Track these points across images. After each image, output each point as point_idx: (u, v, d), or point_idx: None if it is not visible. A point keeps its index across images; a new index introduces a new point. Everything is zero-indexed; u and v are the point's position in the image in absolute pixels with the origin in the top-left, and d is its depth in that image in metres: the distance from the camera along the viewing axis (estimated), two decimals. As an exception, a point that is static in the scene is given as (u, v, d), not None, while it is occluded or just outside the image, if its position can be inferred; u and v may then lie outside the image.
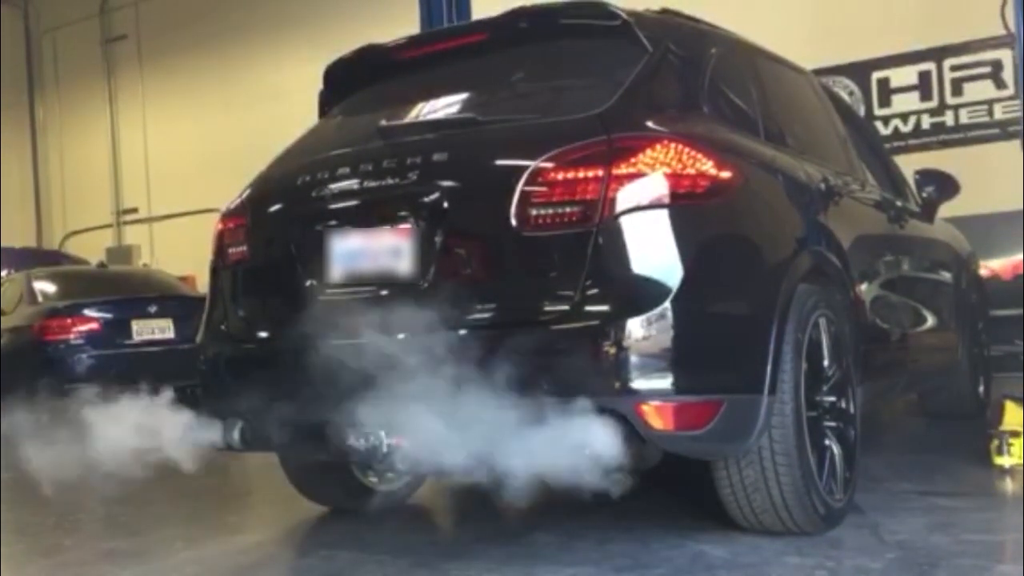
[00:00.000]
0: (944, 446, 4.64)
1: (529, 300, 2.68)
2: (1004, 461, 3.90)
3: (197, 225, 11.45)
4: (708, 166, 2.77)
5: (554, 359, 2.62)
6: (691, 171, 2.73)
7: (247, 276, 3.31)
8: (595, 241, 2.61)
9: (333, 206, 3.05)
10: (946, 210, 5.12)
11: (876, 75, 9.34)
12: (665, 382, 2.58)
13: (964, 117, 9.00)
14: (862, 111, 9.03)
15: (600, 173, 2.65)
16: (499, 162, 2.87)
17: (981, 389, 5.43)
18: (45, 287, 8.37)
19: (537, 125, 2.94)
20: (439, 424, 2.73)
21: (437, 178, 2.87)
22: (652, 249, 2.63)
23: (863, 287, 3.63)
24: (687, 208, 2.71)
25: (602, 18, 3.18)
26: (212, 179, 11.72)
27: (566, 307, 2.61)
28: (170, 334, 7.84)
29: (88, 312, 7.75)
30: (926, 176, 4.96)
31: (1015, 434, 3.93)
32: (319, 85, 3.79)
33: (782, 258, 2.99)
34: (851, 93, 9.21)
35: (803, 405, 2.90)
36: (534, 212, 2.68)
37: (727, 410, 2.65)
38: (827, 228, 3.36)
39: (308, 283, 3.06)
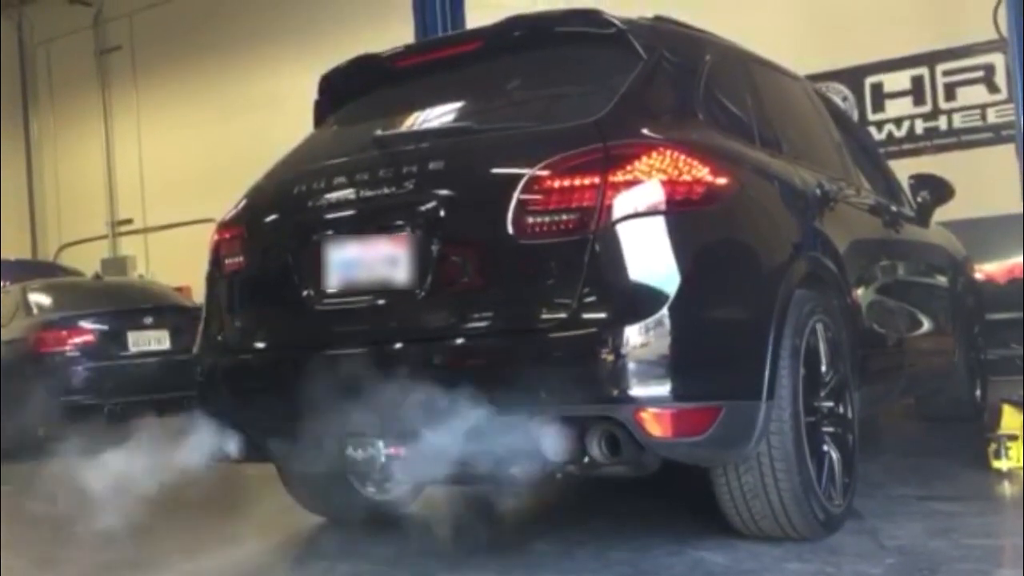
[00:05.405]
0: (942, 450, 4.64)
1: (526, 308, 2.67)
2: (1002, 465, 3.90)
3: (193, 236, 11.43)
4: (704, 173, 2.78)
5: (552, 367, 2.61)
6: (687, 178, 2.74)
7: (244, 286, 3.31)
8: (592, 248, 2.61)
9: (330, 215, 3.05)
10: (941, 214, 5.14)
11: (869, 80, 9.37)
12: (663, 389, 2.58)
13: (957, 121, 9.03)
14: (856, 116, 9.05)
15: (596, 180, 2.65)
16: (495, 170, 2.87)
17: (978, 393, 5.43)
18: (40, 299, 8.34)
19: (533, 133, 2.94)
20: (437, 434, 2.73)
21: (433, 187, 2.87)
22: (649, 256, 2.63)
23: (859, 292, 3.63)
24: (683, 215, 2.71)
25: (597, 26, 3.18)
26: (207, 189, 11.71)
27: (564, 315, 2.61)
28: (166, 345, 7.81)
29: (84, 324, 7.72)
30: (920, 180, 4.98)
31: (1013, 438, 3.93)
32: (314, 94, 3.79)
33: (779, 264, 2.99)
34: (845, 98, 9.23)
35: (801, 411, 2.90)
36: (531, 220, 2.68)
37: (725, 416, 2.65)
38: (823, 233, 3.37)
39: (305, 293, 3.06)
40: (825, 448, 3.07)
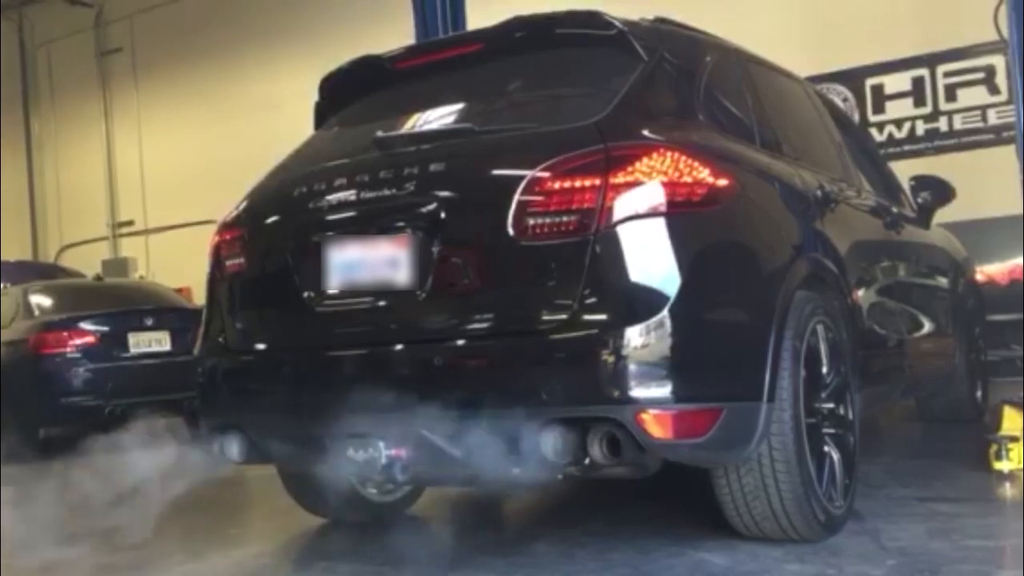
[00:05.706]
0: (943, 452, 4.64)
1: (527, 310, 2.67)
2: (1003, 466, 3.90)
3: (193, 237, 11.45)
4: (704, 174, 2.78)
5: (553, 368, 2.61)
6: (688, 179, 2.74)
7: (244, 288, 3.31)
8: (593, 250, 2.61)
9: (330, 217, 3.05)
10: (941, 215, 5.14)
11: (870, 81, 9.38)
12: (664, 390, 2.58)
13: (958, 123, 9.04)
14: (856, 117, 9.06)
15: (597, 182, 2.65)
16: (496, 172, 2.87)
17: (979, 394, 5.44)
18: (41, 300, 8.34)
19: (533, 135, 2.94)
20: (438, 435, 2.73)
21: (434, 188, 2.88)
22: (650, 257, 2.63)
23: (860, 293, 3.63)
24: (684, 216, 2.71)
25: (597, 27, 3.18)
26: (208, 191, 11.71)
27: (564, 316, 2.61)
28: (167, 346, 7.82)
29: (84, 325, 7.72)
30: (921, 182, 4.99)
31: (1014, 439, 3.93)
32: (315, 96, 3.79)
33: (779, 265, 2.99)
34: (845, 100, 9.24)
35: (802, 412, 2.90)
36: (531, 222, 2.68)
37: (726, 418, 2.65)
38: (824, 235, 3.37)
39: (306, 294, 3.06)
40: (826, 449, 3.07)
